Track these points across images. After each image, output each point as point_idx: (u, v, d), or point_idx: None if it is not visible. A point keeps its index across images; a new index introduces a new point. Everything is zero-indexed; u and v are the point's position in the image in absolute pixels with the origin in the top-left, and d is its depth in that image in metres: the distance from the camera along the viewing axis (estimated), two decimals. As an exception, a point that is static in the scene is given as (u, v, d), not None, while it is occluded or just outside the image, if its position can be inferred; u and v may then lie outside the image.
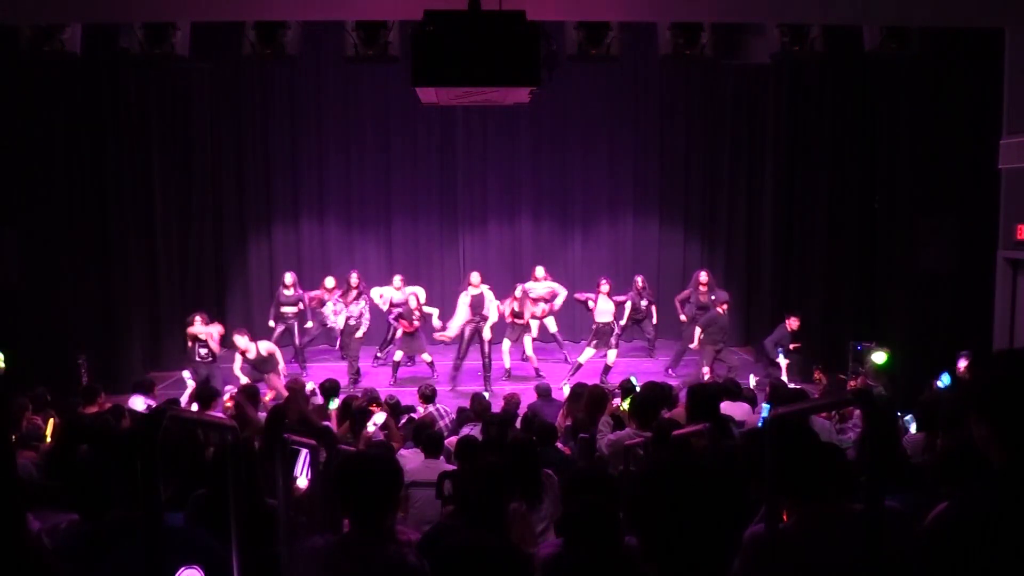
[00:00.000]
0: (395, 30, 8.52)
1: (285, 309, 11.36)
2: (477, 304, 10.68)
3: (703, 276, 11.50)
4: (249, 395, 7.02)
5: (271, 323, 11.41)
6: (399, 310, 11.01)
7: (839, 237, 11.11)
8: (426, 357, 11.06)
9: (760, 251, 12.62)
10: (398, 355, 10.99)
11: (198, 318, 9.88)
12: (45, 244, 10.35)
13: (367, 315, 10.94)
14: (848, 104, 10.93)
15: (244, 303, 13.07)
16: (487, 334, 10.68)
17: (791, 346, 10.50)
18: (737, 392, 7.43)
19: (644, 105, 13.45)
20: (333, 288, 11.20)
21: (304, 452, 4.01)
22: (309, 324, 11.51)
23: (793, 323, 10.57)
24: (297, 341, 11.46)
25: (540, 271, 11.44)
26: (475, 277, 10.90)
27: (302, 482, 4.03)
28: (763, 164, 12.44)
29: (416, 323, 10.82)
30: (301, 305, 11.41)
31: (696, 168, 13.49)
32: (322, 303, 11.19)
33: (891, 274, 10.83)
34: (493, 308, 10.73)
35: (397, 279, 11.39)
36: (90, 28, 8.96)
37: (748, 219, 12.94)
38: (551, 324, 11.60)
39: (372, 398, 7.66)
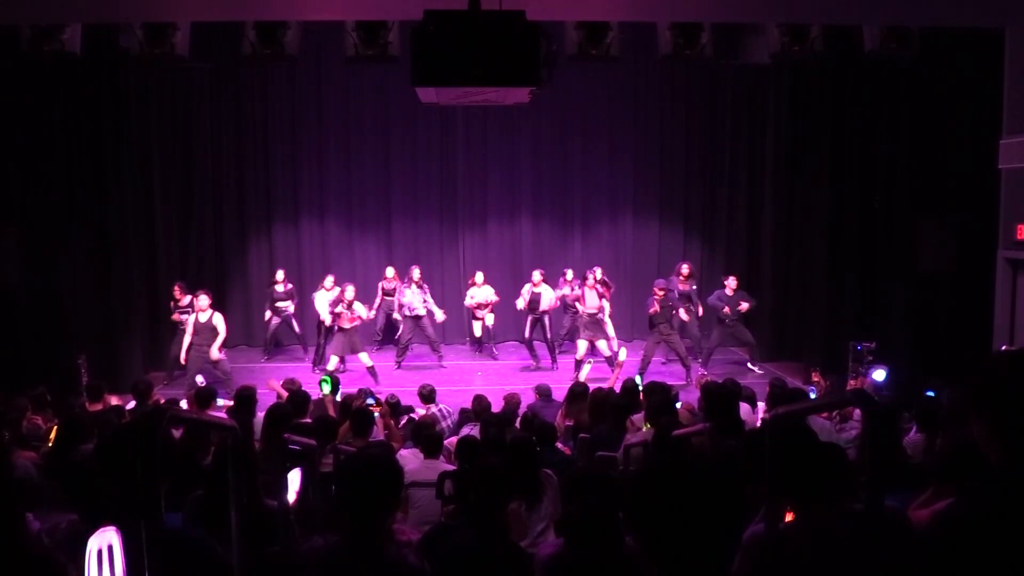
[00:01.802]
0: (395, 30, 8.52)
1: (280, 304, 11.83)
2: (535, 300, 11.49)
3: (685, 268, 11.93)
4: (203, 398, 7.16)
5: (268, 314, 12.02)
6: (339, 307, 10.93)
7: (839, 237, 11.12)
8: (364, 359, 10.84)
9: (760, 251, 12.62)
10: (333, 361, 10.75)
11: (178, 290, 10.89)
12: (45, 244, 10.36)
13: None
14: (848, 104, 10.93)
15: (244, 302, 13.08)
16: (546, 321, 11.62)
17: (740, 307, 11.12)
18: (737, 392, 7.41)
19: (644, 105, 13.45)
20: (392, 278, 12.10)
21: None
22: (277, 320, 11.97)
23: (731, 283, 11.28)
24: (297, 330, 12.07)
25: (480, 276, 11.95)
26: (536, 276, 11.65)
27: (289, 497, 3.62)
28: (763, 164, 12.44)
29: (353, 318, 10.77)
30: (294, 301, 11.94)
31: (696, 168, 13.48)
32: (390, 293, 11.93)
33: (891, 274, 10.84)
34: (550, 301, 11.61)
35: (329, 279, 11.59)
36: (90, 28, 8.96)
37: (748, 219, 12.94)
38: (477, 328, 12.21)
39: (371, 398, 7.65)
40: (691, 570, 1.50)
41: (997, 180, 9.48)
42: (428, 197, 13.54)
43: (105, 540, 2.39)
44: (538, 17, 5.20)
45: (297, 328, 12.06)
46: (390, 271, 12.38)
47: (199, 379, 9.96)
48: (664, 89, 13.35)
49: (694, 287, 11.78)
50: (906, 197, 10.66)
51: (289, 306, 11.81)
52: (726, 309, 11.16)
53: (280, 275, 11.90)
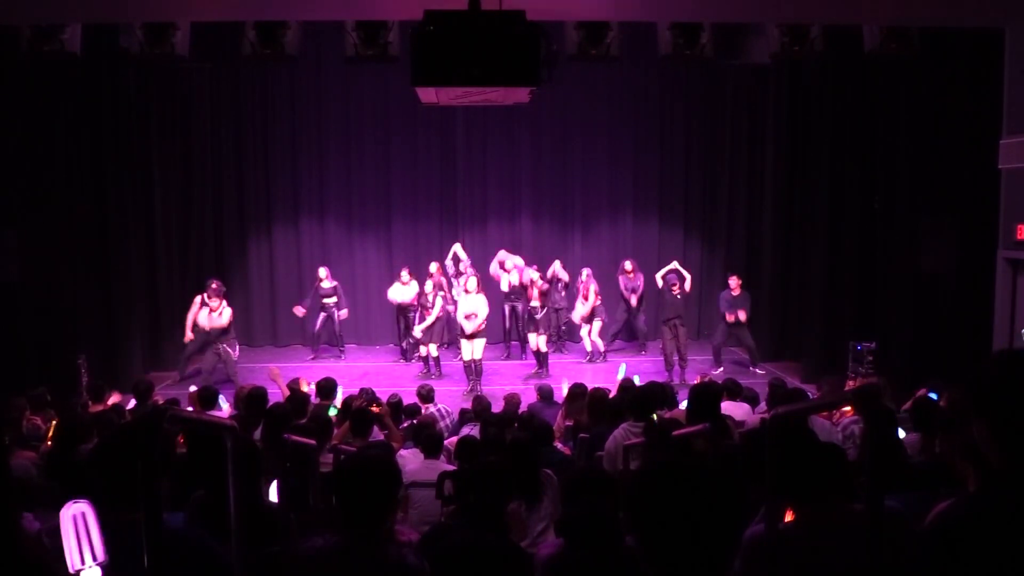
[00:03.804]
0: (395, 30, 8.52)
1: (326, 300, 12.11)
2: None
3: (628, 264, 12.17)
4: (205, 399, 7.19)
5: (299, 309, 12.19)
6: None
7: (839, 237, 11.11)
8: (432, 349, 11.34)
9: (760, 251, 12.62)
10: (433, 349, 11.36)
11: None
12: (45, 244, 10.35)
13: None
14: (848, 104, 10.92)
15: (244, 303, 13.07)
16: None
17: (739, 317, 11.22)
18: (737, 392, 7.42)
19: (644, 105, 13.45)
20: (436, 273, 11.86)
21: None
22: (344, 312, 12.27)
23: (734, 283, 11.45)
24: (337, 328, 12.25)
25: (472, 282, 10.96)
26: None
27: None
28: (763, 164, 12.43)
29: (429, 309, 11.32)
30: (340, 298, 12.24)
31: (696, 168, 13.49)
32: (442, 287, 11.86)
33: (891, 274, 10.82)
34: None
35: (404, 274, 11.82)
36: (90, 28, 8.95)
37: (748, 219, 12.94)
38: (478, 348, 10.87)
39: (371, 398, 7.65)
40: (692, 571, 1.50)
41: (997, 180, 9.47)
42: (428, 197, 13.54)
43: (78, 509, 2.41)
44: (538, 17, 5.19)
45: (338, 328, 12.22)
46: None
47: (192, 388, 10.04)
48: (664, 89, 13.35)
49: (639, 283, 11.99)
50: (906, 197, 10.65)
51: (334, 301, 12.07)
52: (730, 317, 11.33)
53: (323, 272, 12.10)
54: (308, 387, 8.14)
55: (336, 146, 13.29)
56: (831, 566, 2.44)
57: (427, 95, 5.47)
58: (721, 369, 11.19)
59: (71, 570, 2.38)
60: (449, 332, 11.69)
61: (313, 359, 12.23)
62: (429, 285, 11.45)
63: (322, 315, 12.15)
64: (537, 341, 11.22)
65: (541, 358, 11.28)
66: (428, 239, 13.52)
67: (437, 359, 11.38)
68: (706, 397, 5.10)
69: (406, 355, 12.22)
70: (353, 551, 2.45)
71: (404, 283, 11.71)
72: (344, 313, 12.20)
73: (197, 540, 2.76)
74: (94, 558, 2.39)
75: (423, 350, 11.43)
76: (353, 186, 13.42)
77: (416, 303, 11.58)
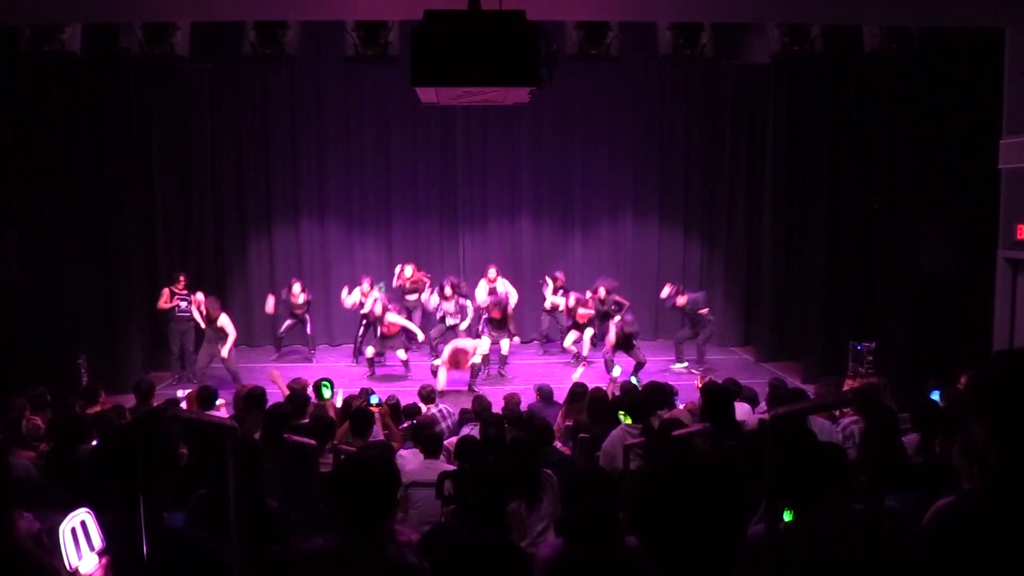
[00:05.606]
0: (395, 30, 8.52)
1: (298, 313, 12.02)
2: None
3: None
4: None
5: (267, 308, 12.11)
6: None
7: (839, 237, 11.10)
8: (401, 354, 11.17)
9: (760, 251, 12.62)
10: (370, 351, 11.22)
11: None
12: (45, 244, 10.35)
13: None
14: (848, 104, 10.92)
15: (244, 302, 13.07)
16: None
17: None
18: (737, 392, 7.41)
19: (644, 105, 13.45)
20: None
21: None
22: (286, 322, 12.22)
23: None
24: (309, 331, 12.19)
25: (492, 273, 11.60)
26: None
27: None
28: (763, 164, 12.43)
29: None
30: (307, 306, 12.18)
31: (696, 168, 13.49)
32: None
33: (891, 274, 10.82)
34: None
35: (366, 285, 11.85)
36: (90, 28, 8.95)
37: (748, 219, 12.93)
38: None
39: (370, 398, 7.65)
40: (695, 570, 1.50)
41: (997, 180, 9.47)
42: (428, 197, 13.54)
43: (77, 519, 2.41)
44: (538, 17, 5.20)
45: (309, 329, 12.16)
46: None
47: (179, 393, 10.04)
48: (664, 89, 13.35)
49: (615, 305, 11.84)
50: (906, 197, 10.65)
51: (306, 313, 12.05)
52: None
53: (297, 288, 11.85)
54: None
55: (336, 146, 13.29)
56: (831, 566, 2.44)
57: (427, 95, 5.47)
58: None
59: (68, 568, 2.39)
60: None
61: (277, 359, 12.12)
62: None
63: (290, 321, 12.02)
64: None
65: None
66: (428, 239, 13.53)
67: (406, 362, 11.23)
68: (718, 396, 5.12)
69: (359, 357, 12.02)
70: (353, 551, 2.45)
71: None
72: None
73: (197, 540, 2.76)
74: (91, 549, 2.40)
75: (369, 351, 11.21)
76: (353, 186, 13.42)
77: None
